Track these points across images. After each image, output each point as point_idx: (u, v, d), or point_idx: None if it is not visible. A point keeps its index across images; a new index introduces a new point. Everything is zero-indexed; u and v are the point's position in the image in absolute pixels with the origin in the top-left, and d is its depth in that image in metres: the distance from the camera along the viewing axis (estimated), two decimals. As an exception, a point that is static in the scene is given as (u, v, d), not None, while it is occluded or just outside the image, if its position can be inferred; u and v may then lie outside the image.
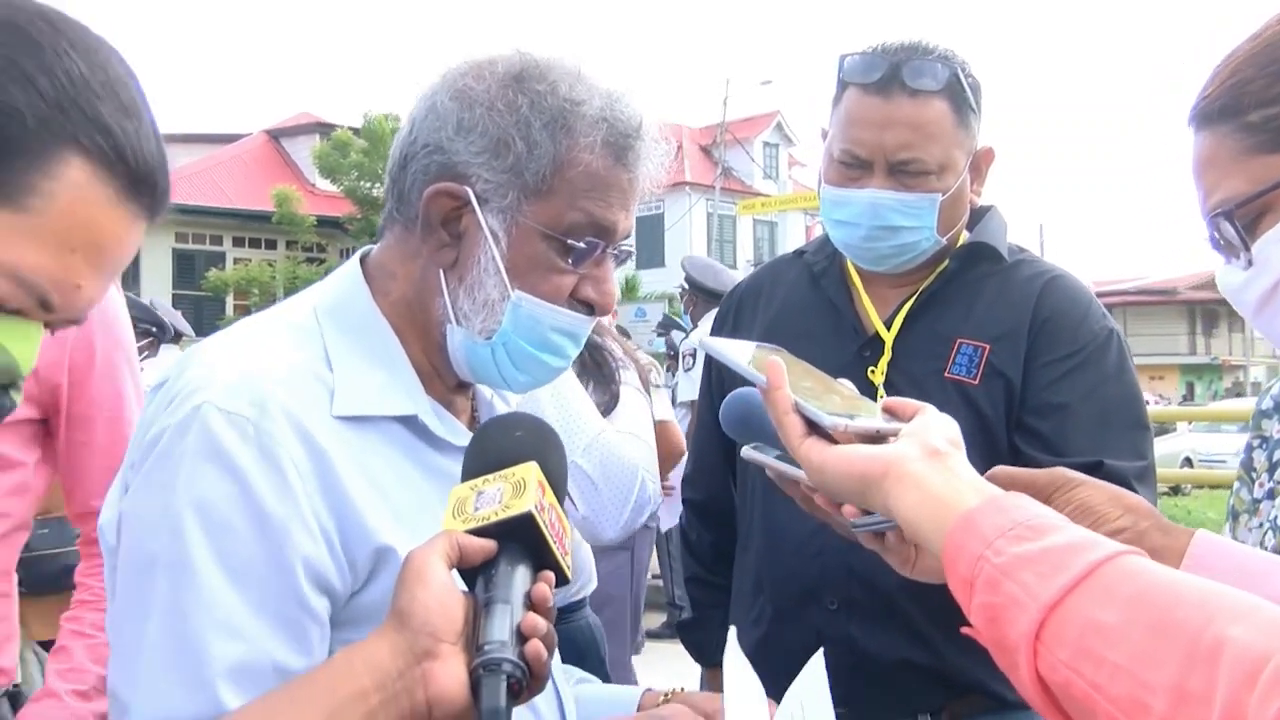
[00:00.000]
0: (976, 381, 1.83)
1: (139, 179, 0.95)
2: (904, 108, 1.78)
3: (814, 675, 1.22)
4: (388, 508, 1.13)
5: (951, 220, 1.86)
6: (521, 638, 0.95)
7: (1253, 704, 0.65)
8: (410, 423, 1.20)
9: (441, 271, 1.21)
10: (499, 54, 1.21)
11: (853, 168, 1.83)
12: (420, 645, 0.94)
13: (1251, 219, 1.10)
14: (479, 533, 1.00)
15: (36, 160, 0.89)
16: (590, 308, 1.24)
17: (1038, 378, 1.82)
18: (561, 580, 1.03)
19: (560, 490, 1.09)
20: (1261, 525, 1.33)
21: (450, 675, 0.94)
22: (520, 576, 0.99)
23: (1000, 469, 1.08)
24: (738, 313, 2.14)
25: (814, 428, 1.00)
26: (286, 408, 1.08)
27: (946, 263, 1.92)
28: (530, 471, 1.04)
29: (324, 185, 28.63)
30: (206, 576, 1.02)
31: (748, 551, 2.02)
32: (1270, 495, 1.31)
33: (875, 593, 1.79)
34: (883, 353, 1.88)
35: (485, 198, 1.17)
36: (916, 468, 0.92)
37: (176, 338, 6.73)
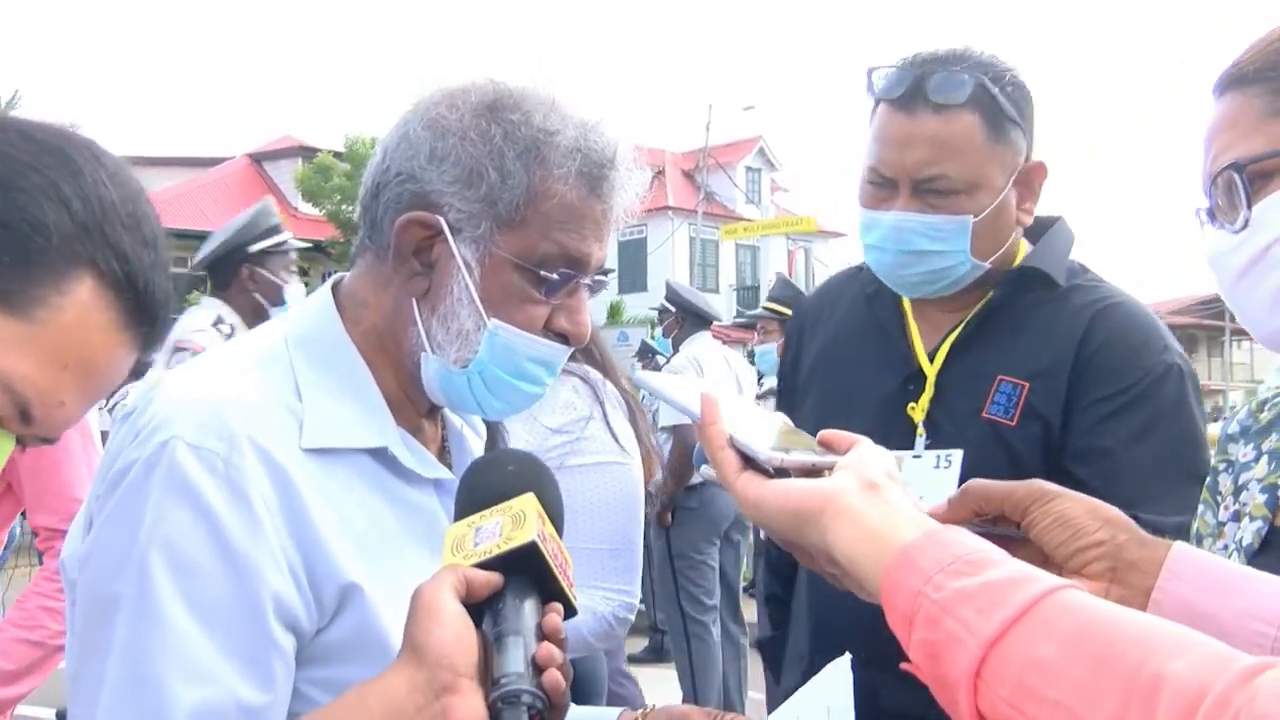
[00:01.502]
0: (1013, 423, 1.70)
1: (142, 307, 0.98)
2: (927, 123, 1.68)
3: (840, 677, 1.19)
4: (354, 543, 1.12)
5: (991, 243, 1.74)
6: (537, 669, 0.93)
7: None
8: (379, 455, 1.19)
9: (414, 301, 1.20)
10: (473, 82, 1.21)
11: (880, 188, 1.74)
12: (439, 680, 0.92)
13: (1258, 181, 1.12)
14: (483, 566, 0.99)
15: (52, 275, 0.93)
16: (565, 338, 1.23)
17: (1081, 419, 1.68)
18: (570, 611, 1.01)
19: (558, 522, 1.07)
20: (1226, 547, 1.33)
21: (470, 710, 0.92)
22: (529, 608, 0.97)
23: (974, 482, 1.05)
24: (800, 333, 2.06)
25: (749, 463, 0.98)
26: (256, 441, 1.07)
27: (994, 290, 1.79)
28: (528, 503, 1.02)
29: (306, 209, 28.55)
30: (172, 618, 1.01)
31: (800, 588, 1.97)
32: (1235, 518, 1.31)
33: (900, 647, 1.74)
34: (924, 388, 1.78)
35: (458, 227, 1.17)
36: (853, 501, 0.90)
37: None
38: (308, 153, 29.65)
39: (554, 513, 1.06)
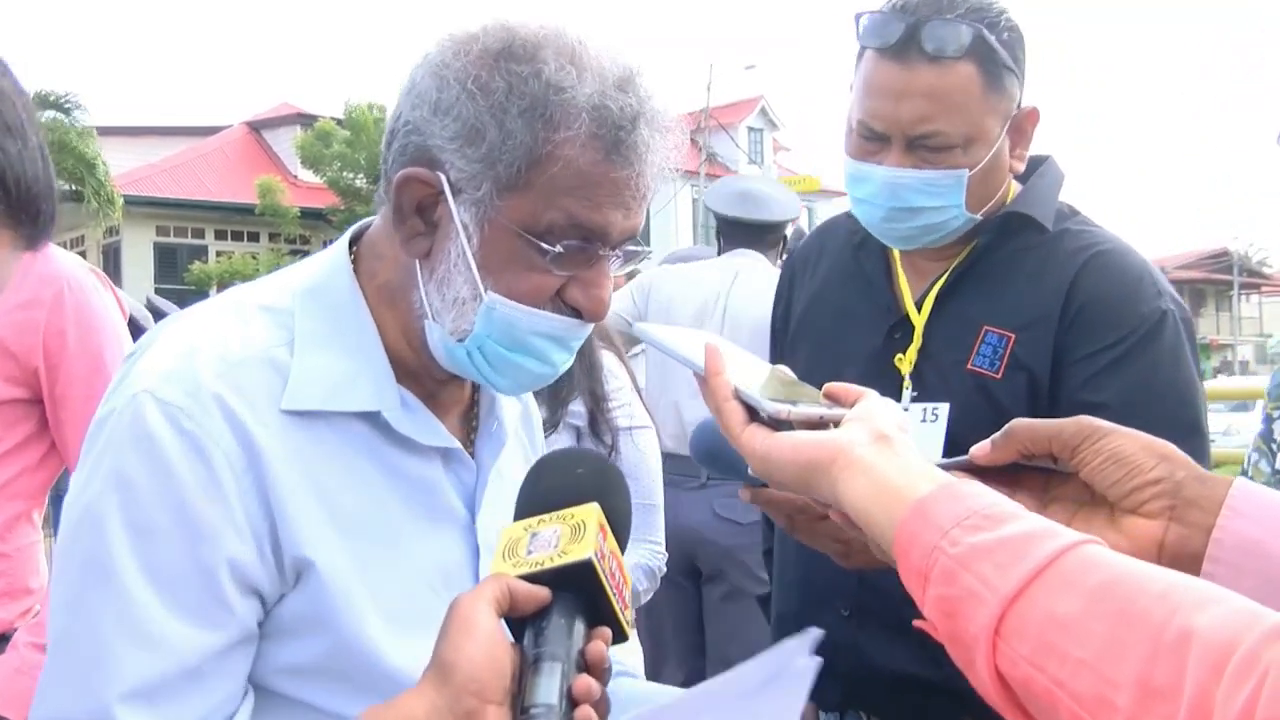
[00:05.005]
0: (999, 375, 1.63)
1: (19, 205, 0.89)
2: (923, 76, 1.58)
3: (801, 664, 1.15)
4: (325, 515, 1.07)
5: (986, 194, 1.67)
6: (572, 702, 0.87)
7: (1220, 695, 0.63)
8: (374, 420, 1.13)
9: (416, 263, 1.13)
10: (485, 26, 1.10)
11: (870, 140, 1.65)
12: (463, 706, 0.86)
13: None
14: (532, 579, 0.92)
15: None
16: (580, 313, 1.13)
17: (1072, 374, 1.61)
18: (619, 637, 0.94)
19: (623, 537, 1.00)
20: None
21: None
22: (575, 631, 0.91)
23: (1020, 421, 0.99)
24: (791, 284, 1.99)
25: (755, 415, 0.95)
26: (225, 400, 1.04)
27: (980, 237, 1.71)
28: (591, 514, 0.95)
29: (306, 176, 28.44)
30: (124, 577, 0.99)
31: (786, 546, 1.92)
32: None
33: (886, 603, 1.60)
34: (912, 338, 1.72)
35: (459, 187, 1.08)
36: (865, 453, 0.87)
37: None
38: (306, 120, 29.47)
39: (619, 524, 0.99)
